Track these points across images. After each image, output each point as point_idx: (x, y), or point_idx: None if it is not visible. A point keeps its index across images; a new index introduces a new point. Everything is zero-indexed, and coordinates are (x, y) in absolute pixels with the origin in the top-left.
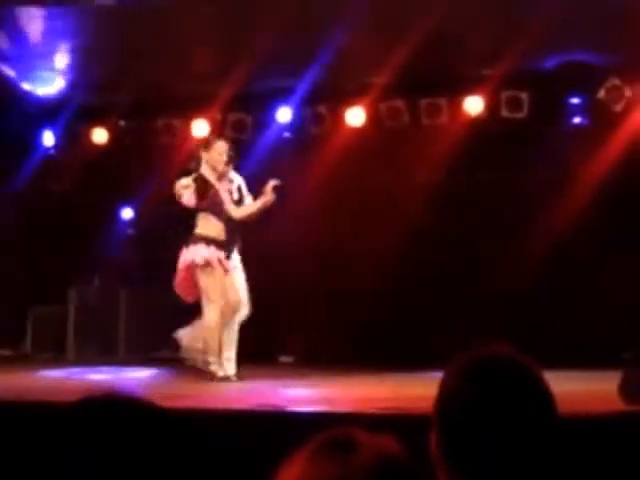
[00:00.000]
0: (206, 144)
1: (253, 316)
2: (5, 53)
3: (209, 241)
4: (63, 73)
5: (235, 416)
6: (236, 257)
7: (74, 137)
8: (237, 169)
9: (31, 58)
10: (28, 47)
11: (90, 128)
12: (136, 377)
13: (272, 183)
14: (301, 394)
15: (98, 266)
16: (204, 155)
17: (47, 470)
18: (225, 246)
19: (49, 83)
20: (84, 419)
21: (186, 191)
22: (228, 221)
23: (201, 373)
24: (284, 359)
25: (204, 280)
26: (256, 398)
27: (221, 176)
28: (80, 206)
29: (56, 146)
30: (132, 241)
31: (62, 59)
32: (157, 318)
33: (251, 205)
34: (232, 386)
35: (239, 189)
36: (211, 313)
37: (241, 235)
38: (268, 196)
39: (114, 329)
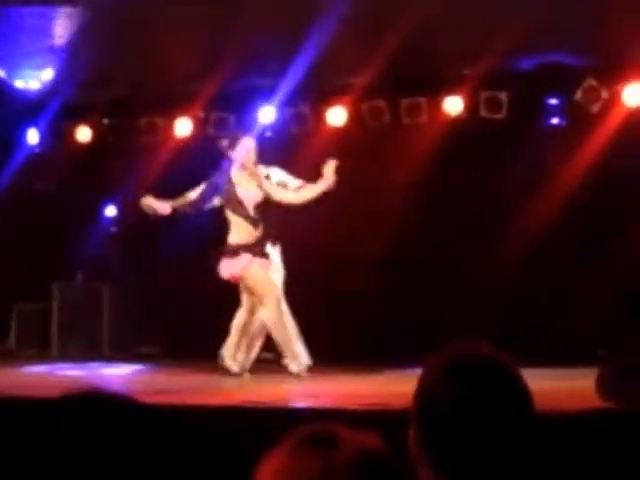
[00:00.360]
0: (230, 143)
1: None
2: None
3: (235, 251)
4: (47, 71)
5: (218, 412)
6: (274, 252)
7: (58, 135)
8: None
9: (15, 56)
10: (13, 45)
11: (74, 126)
12: (119, 373)
13: (332, 164)
14: (284, 390)
15: (81, 263)
16: (231, 154)
17: (27, 466)
18: (258, 244)
19: (33, 81)
20: (63, 416)
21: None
22: (257, 217)
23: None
24: (265, 355)
25: (248, 288)
26: (240, 394)
27: (252, 173)
28: (63, 204)
29: (40, 144)
30: (115, 239)
31: (46, 57)
32: (141, 315)
33: (311, 190)
34: (214, 382)
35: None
36: (267, 309)
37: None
38: (330, 180)
39: (98, 326)
